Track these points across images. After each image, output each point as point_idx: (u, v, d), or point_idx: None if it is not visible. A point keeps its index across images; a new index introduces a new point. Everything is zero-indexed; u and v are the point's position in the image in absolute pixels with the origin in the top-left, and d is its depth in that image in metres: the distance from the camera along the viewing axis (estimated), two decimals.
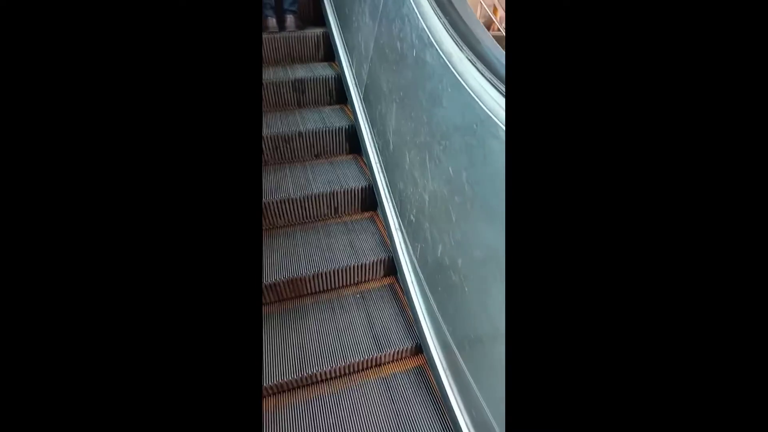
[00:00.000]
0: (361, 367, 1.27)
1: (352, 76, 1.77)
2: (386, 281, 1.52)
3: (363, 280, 1.48)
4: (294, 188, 1.55)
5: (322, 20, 2.12)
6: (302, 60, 2.04)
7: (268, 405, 1.23)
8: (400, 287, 1.49)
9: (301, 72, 1.88)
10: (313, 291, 1.44)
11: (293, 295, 1.42)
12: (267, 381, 1.16)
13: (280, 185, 1.56)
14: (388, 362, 1.31)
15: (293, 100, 1.88)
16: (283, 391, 1.23)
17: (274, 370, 1.19)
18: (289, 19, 1.96)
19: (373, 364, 1.28)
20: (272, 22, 1.94)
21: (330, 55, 2.06)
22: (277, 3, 1.96)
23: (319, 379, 1.22)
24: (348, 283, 1.46)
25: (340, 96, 1.93)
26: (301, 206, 1.55)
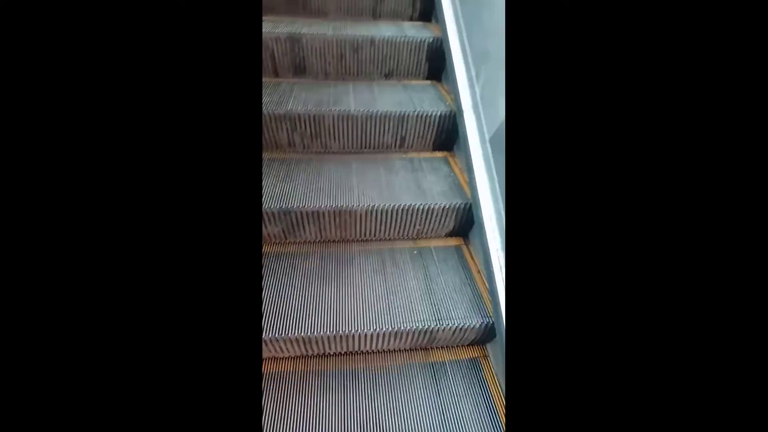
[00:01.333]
0: (412, 338, 0.97)
1: None
2: (453, 242, 1.18)
3: (426, 231, 1.16)
4: (355, 104, 1.23)
5: None
6: None
7: (289, 366, 0.98)
8: (470, 251, 1.14)
9: None
10: (363, 236, 1.14)
11: (338, 236, 1.13)
12: (292, 332, 0.90)
13: (340, 99, 1.25)
14: (446, 339, 0.99)
15: (369, 8, 1.53)
16: (313, 357, 0.97)
17: (303, 322, 0.92)
18: None
19: (428, 337, 0.97)
20: None
21: None
22: None
23: (355, 346, 0.94)
24: (406, 231, 1.15)
25: (426, 8, 1.55)
26: (361, 128, 1.23)
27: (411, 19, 1.57)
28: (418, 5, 1.54)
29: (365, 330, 0.91)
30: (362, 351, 1.00)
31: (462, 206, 1.10)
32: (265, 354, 0.96)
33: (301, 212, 1.05)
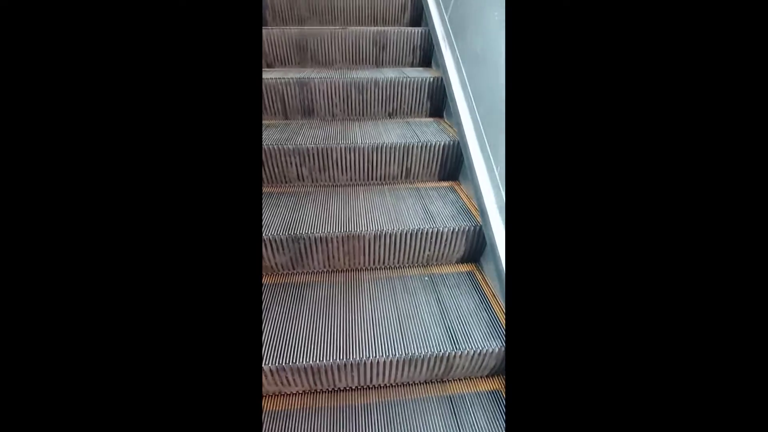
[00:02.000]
0: (427, 366, 0.90)
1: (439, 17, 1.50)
2: (465, 268, 1.15)
3: (436, 255, 1.13)
4: (362, 137, 1.28)
5: None
6: (385, 22, 1.84)
7: (297, 403, 0.91)
8: (483, 276, 1.11)
9: (384, 31, 1.66)
10: (372, 264, 1.12)
11: (347, 265, 1.11)
12: (300, 361, 0.84)
13: (347, 134, 1.31)
14: (464, 367, 0.92)
15: (372, 56, 1.66)
16: (322, 392, 0.90)
17: (312, 351, 0.87)
18: None
19: (444, 364, 0.90)
20: None
21: (417, 20, 1.84)
22: None
23: (367, 377, 0.88)
24: (416, 257, 1.13)
25: (426, 56, 1.67)
26: (368, 159, 1.27)
27: (412, 65, 1.69)
28: (418, 53, 1.67)
29: (378, 357, 0.86)
30: (375, 385, 0.93)
31: (472, 229, 1.08)
32: (271, 388, 0.89)
33: (309, 239, 1.04)
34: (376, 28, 1.61)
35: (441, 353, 0.87)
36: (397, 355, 0.86)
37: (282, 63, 1.62)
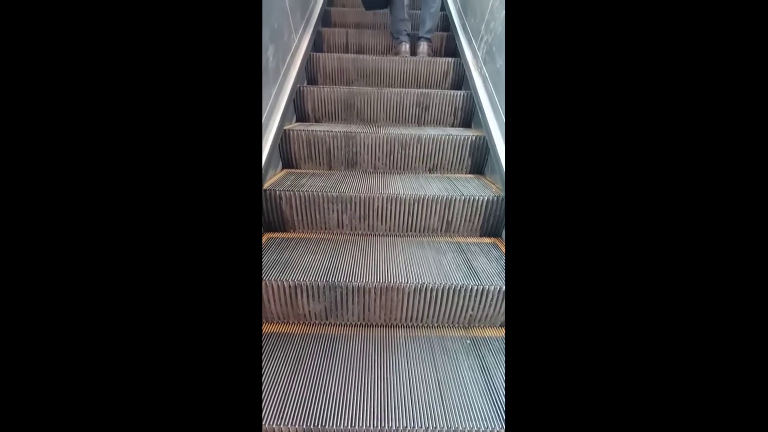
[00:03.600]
0: None
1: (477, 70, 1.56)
2: None
3: (480, 317, 1.05)
4: (403, 189, 1.28)
5: (453, 53, 2.07)
6: (429, 86, 1.95)
7: None
8: None
9: (427, 92, 1.75)
10: (409, 320, 1.05)
11: (383, 319, 1.05)
12: (330, 425, 0.76)
13: (389, 185, 1.32)
14: None
15: (415, 116, 1.73)
16: None
17: (342, 414, 0.79)
18: (422, 46, 1.93)
19: None
20: (405, 47, 1.93)
21: (458, 83, 1.94)
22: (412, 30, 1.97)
23: None
24: (458, 316, 1.05)
25: (467, 118, 1.73)
26: (409, 210, 1.25)
27: (453, 125, 1.75)
28: (459, 114, 1.73)
29: (416, 428, 0.75)
30: None
31: None
32: None
33: (346, 287, 1.00)
34: (419, 90, 1.70)
35: (489, 430, 0.76)
36: (438, 427, 0.76)
37: (330, 119, 1.72)
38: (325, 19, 2.29)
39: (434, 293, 1.01)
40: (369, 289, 1.00)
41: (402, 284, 1.00)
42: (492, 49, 1.49)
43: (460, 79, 1.92)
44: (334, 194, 1.23)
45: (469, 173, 1.53)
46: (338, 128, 1.49)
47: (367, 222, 1.28)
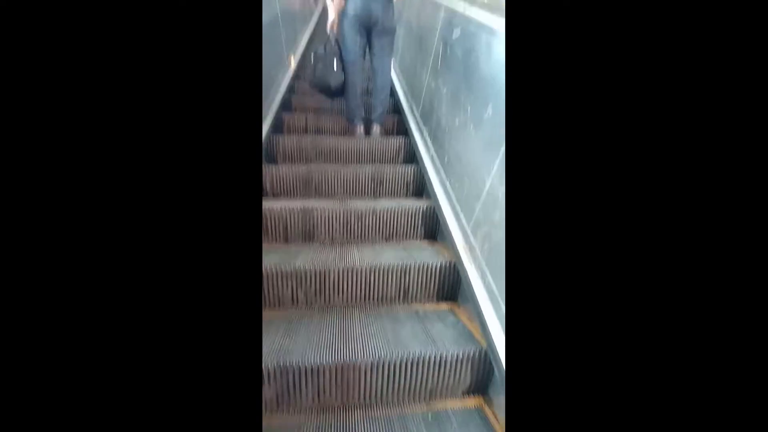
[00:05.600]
0: None
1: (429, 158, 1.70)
2: (472, 402, 1.02)
3: (440, 388, 1.01)
4: (360, 260, 1.30)
5: (405, 132, 2.26)
6: (383, 161, 2.09)
7: None
8: (493, 411, 0.97)
9: (381, 167, 1.88)
10: (367, 398, 0.99)
11: (339, 400, 0.99)
12: None
13: (345, 257, 1.33)
14: None
15: (370, 190, 1.83)
16: None
17: None
18: (375, 128, 2.12)
19: None
20: (360, 129, 2.10)
21: (410, 158, 2.10)
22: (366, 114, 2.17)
23: None
24: (418, 389, 1.00)
25: (418, 189, 1.85)
26: (366, 280, 1.26)
27: (406, 196, 1.85)
28: (411, 187, 1.85)
29: None
30: None
31: (477, 353, 1.00)
32: None
33: (299, 369, 0.95)
34: (374, 165, 1.82)
35: None
36: None
37: (288, 195, 1.77)
38: (286, 105, 2.48)
39: (392, 367, 0.98)
40: (324, 369, 0.96)
41: (358, 361, 0.96)
42: (437, 128, 1.67)
43: (412, 155, 2.09)
44: (288, 269, 1.22)
45: (423, 239, 1.59)
46: (296, 203, 1.54)
47: (323, 296, 1.26)
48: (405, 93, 2.39)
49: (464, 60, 1.33)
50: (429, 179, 1.66)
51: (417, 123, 2.03)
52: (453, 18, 1.49)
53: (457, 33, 1.43)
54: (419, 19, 2.12)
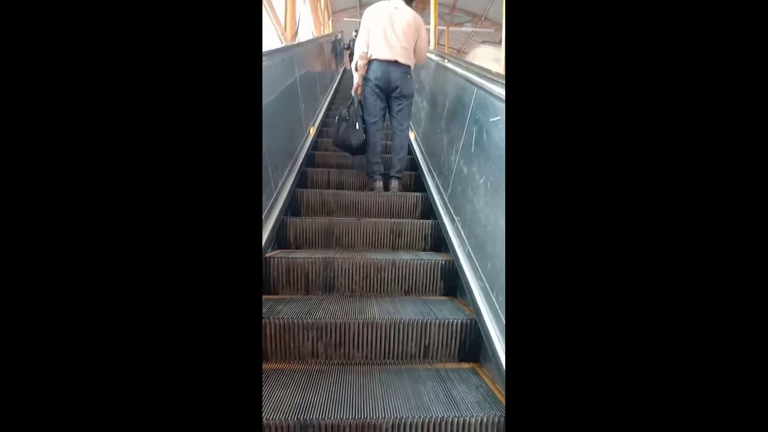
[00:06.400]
0: None
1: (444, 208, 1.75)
2: None
3: None
4: (380, 312, 1.31)
5: (422, 188, 2.35)
6: (401, 216, 2.16)
7: None
8: None
9: (400, 221, 1.93)
10: None
11: None
12: None
13: (365, 310, 1.34)
14: None
15: (389, 243, 1.87)
16: None
17: None
18: (394, 183, 2.22)
19: None
20: (379, 184, 2.20)
21: (427, 213, 2.16)
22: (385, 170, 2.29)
23: None
24: None
25: (436, 243, 1.88)
26: (385, 336, 1.25)
27: (424, 250, 1.88)
28: (429, 240, 1.89)
29: None
30: None
31: (502, 419, 0.96)
32: None
33: (318, 425, 0.92)
34: (393, 219, 1.88)
35: None
36: None
37: (310, 246, 1.83)
38: (309, 161, 2.63)
39: (413, 428, 0.94)
40: (344, 426, 0.93)
41: (379, 420, 0.94)
42: (451, 183, 1.74)
43: (428, 210, 2.15)
44: (309, 321, 1.23)
45: (443, 295, 1.59)
46: (317, 254, 1.58)
47: (342, 350, 1.25)
48: (422, 151, 2.53)
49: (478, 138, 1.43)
50: (447, 234, 1.70)
51: (434, 180, 2.12)
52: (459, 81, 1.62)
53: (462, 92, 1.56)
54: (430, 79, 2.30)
